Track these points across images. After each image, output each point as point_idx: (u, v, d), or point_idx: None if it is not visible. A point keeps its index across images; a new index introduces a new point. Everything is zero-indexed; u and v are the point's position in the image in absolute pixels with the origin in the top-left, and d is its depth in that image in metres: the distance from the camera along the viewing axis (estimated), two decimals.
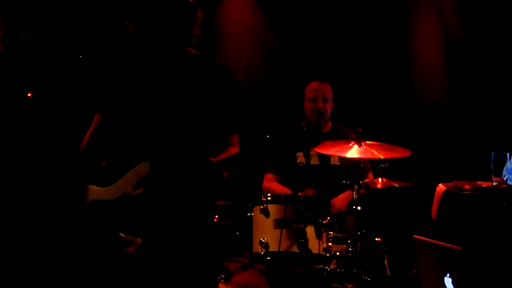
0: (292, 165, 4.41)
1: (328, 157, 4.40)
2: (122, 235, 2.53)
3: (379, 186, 3.90)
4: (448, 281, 2.43)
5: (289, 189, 4.24)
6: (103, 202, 2.59)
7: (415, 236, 2.66)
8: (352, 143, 3.69)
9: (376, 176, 4.08)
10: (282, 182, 4.38)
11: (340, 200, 4.11)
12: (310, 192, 4.17)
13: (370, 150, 3.66)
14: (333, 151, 3.83)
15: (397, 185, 3.92)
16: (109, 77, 2.66)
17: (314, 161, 4.43)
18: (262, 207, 3.80)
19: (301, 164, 4.41)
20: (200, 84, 2.62)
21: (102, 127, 2.71)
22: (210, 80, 2.65)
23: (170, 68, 2.60)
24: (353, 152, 3.66)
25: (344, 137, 4.33)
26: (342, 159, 4.37)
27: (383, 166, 3.94)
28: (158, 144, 2.57)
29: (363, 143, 3.68)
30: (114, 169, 2.63)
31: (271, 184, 4.40)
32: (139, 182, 2.55)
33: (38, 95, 4.34)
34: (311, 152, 4.43)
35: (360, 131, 3.69)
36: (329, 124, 4.54)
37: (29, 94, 4.31)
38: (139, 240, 2.50)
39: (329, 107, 4.46)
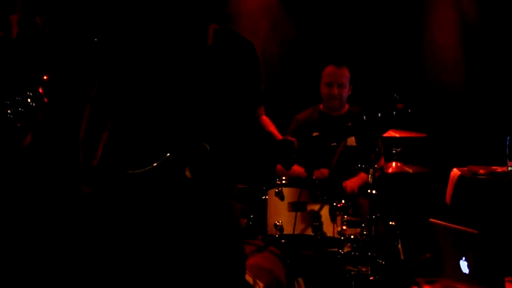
0: (308, 142, 4.40)
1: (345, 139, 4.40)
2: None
3: (392, 170, 3.90)
4: (463, 264, 2.44)
5: (304, 169, 4.24)
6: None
7: (431, 219, 2.67)
8: None
9: (390, 160, 4.09)
10: (297, 161, 4.39)
11: (352, 182, 4.14)
12: (325, 171, 4.18)
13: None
14: None
15: (410, 171, 3.92)
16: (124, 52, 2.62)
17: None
18: (277, 190, 3.81)
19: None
20: (225, 58, 2.58)
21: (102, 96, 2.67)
22: (235, 53, 2.62)
23: (194, 44, 2.54)
24: None
25: (359, 118, 4.32)
26: (359, 141, 4.38)
27: (397, 150, 3.94)
28: (183, 121, 2.52)
29: None
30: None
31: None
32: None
33: (54, 78, 4.36)
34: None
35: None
36: (346, 107, 4.54)
37: (45, 77, 4.33)
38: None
39: (345, 92, 4.45)
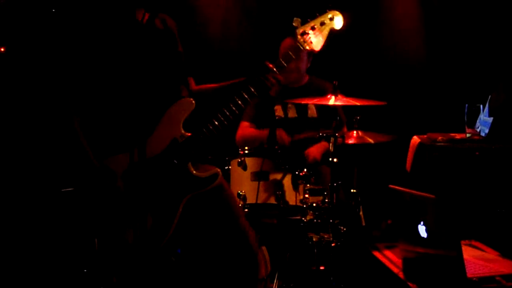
0: (270, 119, 4.44)
1: (305, 110, 4.44)
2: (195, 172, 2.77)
3: (353, 140, 3.94)
4: (422, 228, 2.49)
5: (263, 132, 4.28)
6: (147, 162, 2.66)
7: (390, 185, 2.71)
8: (329, 95, 3.72)
9: (351, 128, 4.13)
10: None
11: (314, 150, 4.18)
12: (284, 136, 4.21)
13: (347, 98, 3.69)
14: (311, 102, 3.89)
15: (372, 141, 3.96)
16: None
17: (291, 113, 4.47)
18: (239, 160, 3.82)
19: (279, 118, 4.46)
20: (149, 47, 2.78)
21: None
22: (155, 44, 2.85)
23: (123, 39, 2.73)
24: (331, 101, 3.69)
25: (320, 89, 4.36)
26: (320, 112, 4.42)
27: (357, 118, 3.99)
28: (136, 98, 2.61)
29: (339, 95, 3.70)
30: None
31: (247, 130, 4.44)
32: (187, 120, 2.73)
33: (11, 50, 4.27)
34: (289, 105, 4.46)
35: (336, 83, 3.71)
36: (306, 77, 4.56)
37: (1, 49, 4.24)
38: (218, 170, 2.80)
39: (303, 65, 4.48)
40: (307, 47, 3.03)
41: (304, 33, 3.01)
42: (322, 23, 3.04)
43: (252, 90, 2.90)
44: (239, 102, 2.90)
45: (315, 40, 3.03)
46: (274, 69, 2.96)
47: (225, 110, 2.88)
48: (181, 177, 2.80)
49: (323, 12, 3.06)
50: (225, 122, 2.87)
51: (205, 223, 2.88)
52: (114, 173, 2.51)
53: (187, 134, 2.81)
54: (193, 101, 2.84)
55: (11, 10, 4.28)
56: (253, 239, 3.02)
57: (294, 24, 3.01)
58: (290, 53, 3.02)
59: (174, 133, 2.78)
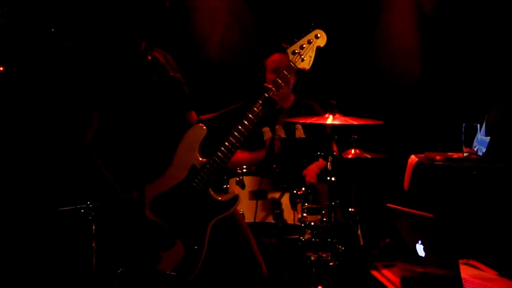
0: (259, 141, 4.45)
1: (293, 130, 4.45)
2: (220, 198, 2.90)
3: (351, 156, 3.95)
4: (420, 247, 2.49)
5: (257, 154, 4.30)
6: (173, 189, 2.78)
7: (388, 204, 2.71)
8: (327, 114, 3.73)
9: (348, 147, 4.14)
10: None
11: (310, 171, 4.19)
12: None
13: (344, 118, 3.70)
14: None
15: (369, 156, 3.97)
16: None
17: (280, 134, 4.47)
18: (237, 179, 3.83)
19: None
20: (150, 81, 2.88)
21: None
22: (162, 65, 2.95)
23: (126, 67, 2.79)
24: (328, 121, 3.70)
25: (307, 108, 4.38)
26: (307, 133, 4.43)
27: (354, 137, 4.00)
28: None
29: (337, 114, 3.71)
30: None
31: (239, 155, 4.45)
32: (202, 146, 2.84)
33: (10, 69, 4.28)
34: (277, 126, 4.47)
35: (334, 103, 3.72)
36: (292, 98, 4.57)
37: (0, 68, 4.25)
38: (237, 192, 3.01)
39: (291, 79, 4.48)
40: (299, 66, 3.12)
41: (294, 52, 3.10)
42: (309, 41, 3.14)
43: (261, 108, 2.97)
44: (247, 123, 2.96)
45: (306, 59, 3.12)
46: (273, 88, 3.00)
47: (235, 133, 2.95)
48: (205, 202, 2.88)
49: (307, 32, 3.17)
50: (237, 145, 2.95)
51: (224, 248, 2.93)
52: (143, 203, 2.56)
53: (203, 160, 2.86)
54: (204, 127, 2.89)
55: (11, 29, 4.31)
56: (263, 265, 3.04)
57: (283, 45, 3.11)
58: (286, 72, 3.09)
59: (192, 160, 2.85)
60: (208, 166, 2.86)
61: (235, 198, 2.91)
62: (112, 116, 2.70)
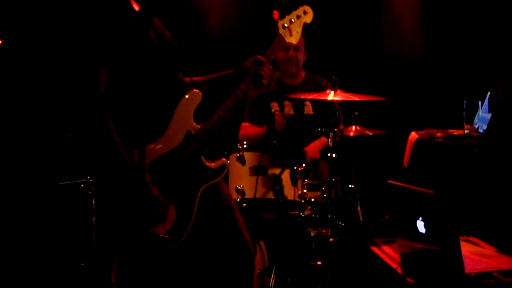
0: (268, 115, 4.44)
1: (302, 107, 4.44)
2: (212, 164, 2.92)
3: (352, 134, 3.95)
4: (420, 224, 2.49)
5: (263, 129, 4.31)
6: (168, 154, 2.80)
7: (389, 181, 2.71)
8: (328, 90, 3.71)
9: (349, 124, 4.13)
10: None
11: (312, 148, 4.18)
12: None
13: (346, 94, 3.69)
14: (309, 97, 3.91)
15: (370, 133, 3.96)
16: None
17: (288, 111, 4.46)
18: (238, 154, 3.82)
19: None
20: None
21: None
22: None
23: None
24: (330, 97, 3.69)
25: (317, 84, 4.36)
26: (316, 109, 4.41)
27: (354, 113, 3.99)
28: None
29: (338, 91, 3.70)
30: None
31: (247, 130, 4.45)
32: (197, 113, 2.84)
33: (10, 42, 4.26)
34: (285, 102, 4.46)
35: (336, 79, 3.71)
36: (303, 74, 4.56)
37: (0, 41, 4.23)
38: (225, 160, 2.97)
39: (301, 56, 4.47)
40: (288, 40, 3.17)
41: (284, 27, 3.16)
42: (298, 17, 3.19)
43: (248, 80, 3.01)
44: (238, 93, 2.97)
45: (293, 34, 3.18)
46: (265, 60, 3.02)
47: (228, 101, 2.96)
48: (197, 169, 2.88)
49: (296, 7, 3.23)
50: (229, 113, 2.95)
51: (209, 215, 2.93)
52: (144, 167, 2.55)
53: (198, 126, 2.86)
54: (200, 93, 2.89)
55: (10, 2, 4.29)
56: (247, 231, 3.05)
57: (274, 17, 3.16)
58: (275, 44, 3.13)
59: (187, 126, 2.85)
60: (202, 132, 2.87)
61: (224, 166, 2.93)
62: (115, 73, 2.69)
